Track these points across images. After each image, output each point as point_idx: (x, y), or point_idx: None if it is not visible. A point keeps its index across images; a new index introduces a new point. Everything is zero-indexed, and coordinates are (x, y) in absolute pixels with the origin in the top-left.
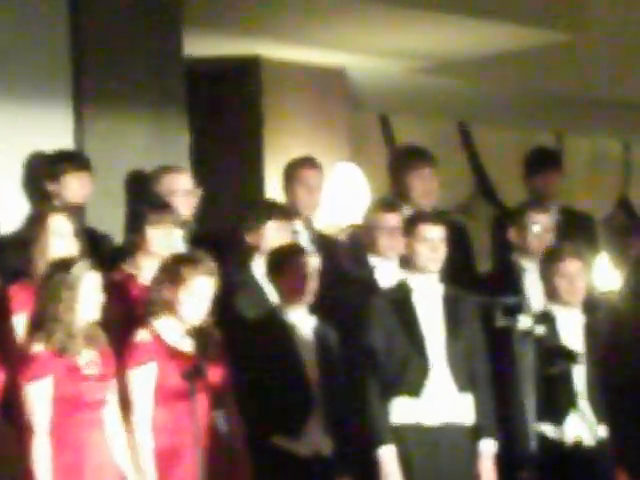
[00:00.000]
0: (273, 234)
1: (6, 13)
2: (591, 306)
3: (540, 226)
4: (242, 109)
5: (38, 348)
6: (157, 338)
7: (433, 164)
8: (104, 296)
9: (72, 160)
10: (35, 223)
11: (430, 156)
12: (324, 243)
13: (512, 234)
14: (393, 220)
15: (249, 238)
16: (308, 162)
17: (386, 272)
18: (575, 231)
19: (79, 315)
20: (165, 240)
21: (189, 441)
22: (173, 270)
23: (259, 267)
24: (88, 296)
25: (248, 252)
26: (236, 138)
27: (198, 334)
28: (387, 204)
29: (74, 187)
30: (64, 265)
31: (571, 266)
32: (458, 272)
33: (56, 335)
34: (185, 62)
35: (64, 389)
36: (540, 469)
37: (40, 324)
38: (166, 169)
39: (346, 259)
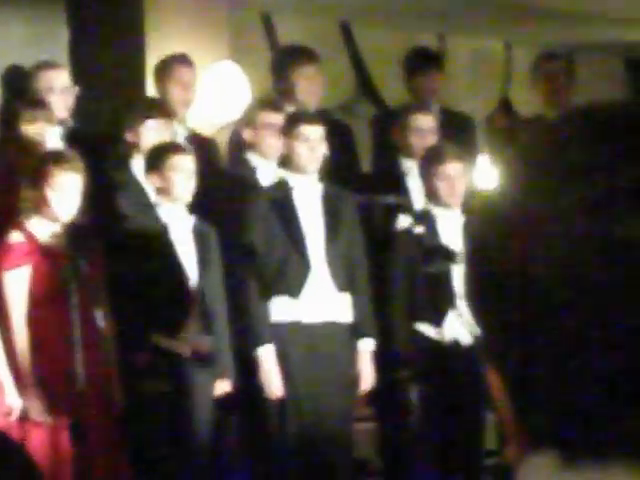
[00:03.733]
0: (152, 132)
1: None
2: (470, 207)
3: (423, 127)
4: (122, 6)
5: None
6: (30, 238)
7: (316, 62)
8: None
9: None
10: None
11: (313, 54)
12: (201, 142)
13: (395, 135)
14: (275, 119)
15: (129, 137)
16: (181, 59)
17: (266, 172)
18: (455, 132)
19: None
20: (39, 137)
21: (69, 340)
22: (40, 168)
23: (139, 166)
24: None
25: (128, 151)
26: (116, 35)
27: (73, 233)
28: (269, 103)
29: None
30: None
31: (451, 168)
32: (341, 172)
33: None
34: None
35: None
36: (418, 368)
37: None
38: (43, 65)
39: (225, 158)
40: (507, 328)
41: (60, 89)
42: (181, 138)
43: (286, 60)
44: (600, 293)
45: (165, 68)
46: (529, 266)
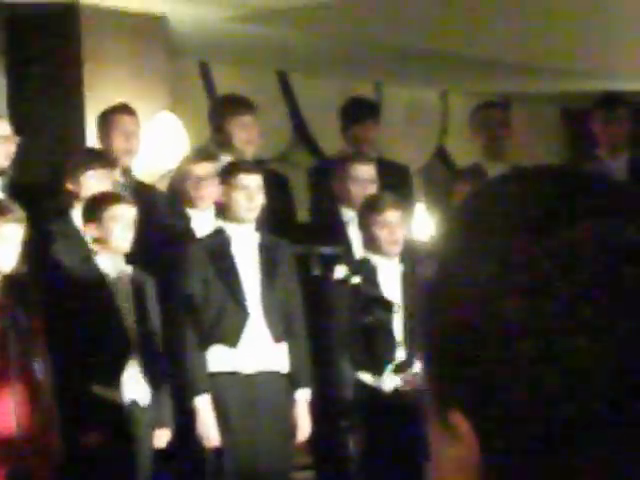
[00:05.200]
0: (93, 182)
1: None
2: (409, 256)
3: (363, 176)
4: (61, 55)
5: None
6: None
7: (253, 112)
8: None
9: None
10: None
11: (250, 104)
12: (142, 192)
13: (334, 184)
14: (208, 169)
15: (69, 186)
16: (123, 108)
17: (201, 222)
18: (390, 181)
19: None
20: None
21: (8, 391)
22: None
23: (79, 216)
24: None
25: (68, 200)
26: (55, 85)
27: (12, 283)
28: (201, 154)
29: None
30: None
31: (391, 216)
32: (278, 221)
33: None
34: (3, 6)
35: None
36: (358, 417)
37: None
38: None
39: (164, 208)
40: (456, 378)
41: (1, 139)
42: (123, 188)
43: (223, 109)
44: (531, 357)
45: (107, 117)
46: (467, 320)
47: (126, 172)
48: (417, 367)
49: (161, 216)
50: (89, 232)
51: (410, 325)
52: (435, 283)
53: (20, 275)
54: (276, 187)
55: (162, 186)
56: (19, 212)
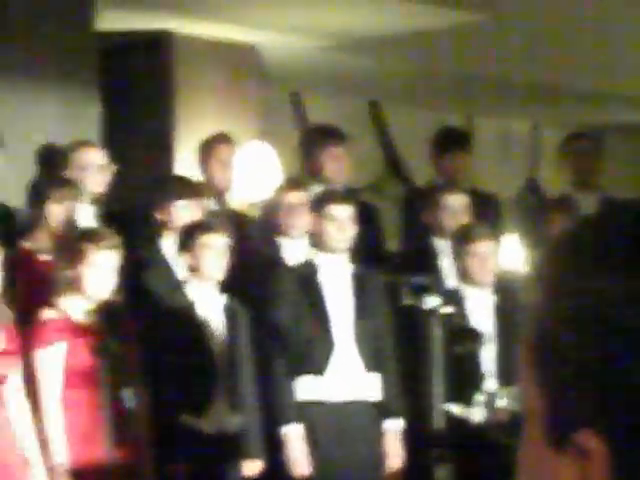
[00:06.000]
0: (182, 212)
1: None
2: (502, 286)
3: (455, 206)
4: (154, 84)
5: None
6: (65, 317)
7: (344, 142)
8: (5, 273)
9: None
10: None
11: (341, 134)
12: (237, 221)
13: (426, 215)
14: (294, 198)
15: (159, 215)
16: (223, 138)
17: (294, 250)
18: (480, 211)
19: None
20: (66, 216)
21: (99, 419)
22: (74, 247)
23: (169, 244)
24: None
25: (158, 229)
26: (147, 114)
27: (106, 311)
28: (289, 182)
29: None
30: None
31: (483, 246)
32: (368, 251)
33: None
34: (97, 36)
35: None
36: (449, 448)
37: None
38: (79, 144)
39: (256, 236)
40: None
41: (96, 167)
42: (216, 216)
43: (314, 140)
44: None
45: (207, 146)
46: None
47: (221, 200)
48: (505, 401)
49: (254, 244)
50: (184, 261)
51: (504, 357)
52: (573, 311)
53: (115, 303)
54: (366, 217)
55: (254, 214)
56: (113, 239)
